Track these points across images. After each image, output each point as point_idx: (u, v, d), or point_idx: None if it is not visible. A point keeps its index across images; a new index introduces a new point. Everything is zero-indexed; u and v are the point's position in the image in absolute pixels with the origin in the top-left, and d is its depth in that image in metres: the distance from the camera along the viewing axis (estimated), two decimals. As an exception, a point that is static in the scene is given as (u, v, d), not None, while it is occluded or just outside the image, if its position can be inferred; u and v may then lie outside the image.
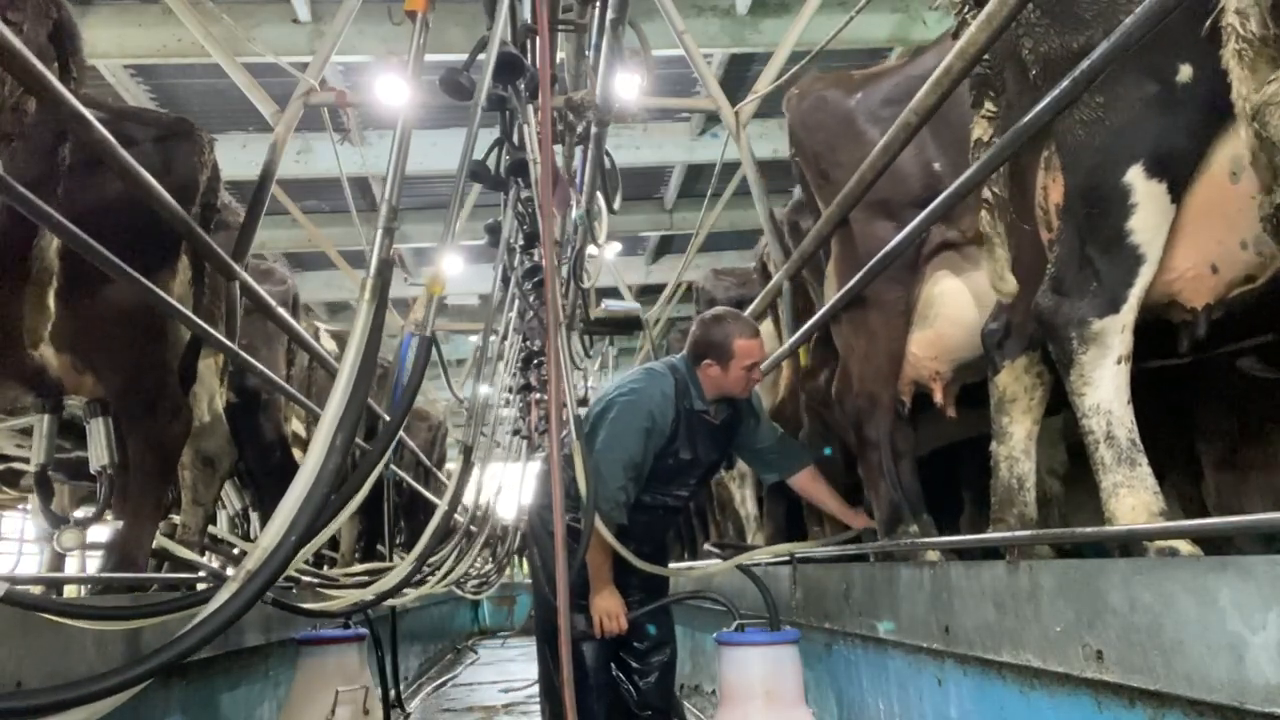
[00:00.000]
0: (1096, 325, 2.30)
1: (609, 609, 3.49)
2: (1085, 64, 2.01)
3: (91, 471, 3.33)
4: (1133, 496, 2.19)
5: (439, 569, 7.16)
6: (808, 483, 3.95)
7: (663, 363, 3.77)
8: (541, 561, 3.77)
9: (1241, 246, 2.22)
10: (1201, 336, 2.34)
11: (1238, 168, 2.16)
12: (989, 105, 2.74)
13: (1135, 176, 2.26)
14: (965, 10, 2.75)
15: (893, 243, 3.09)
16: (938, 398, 3.55)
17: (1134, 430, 2.26)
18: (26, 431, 3.61)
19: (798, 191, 4.71)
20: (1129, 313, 2.29)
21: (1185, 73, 2.18)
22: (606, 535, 3.37)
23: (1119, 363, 2.29)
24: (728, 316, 3.71)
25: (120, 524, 3.46)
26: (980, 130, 2.74)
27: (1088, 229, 2.37)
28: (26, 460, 3.87)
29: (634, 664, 3.73)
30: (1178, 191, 2.25)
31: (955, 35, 2.86)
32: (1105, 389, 2.28)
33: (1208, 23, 1.93)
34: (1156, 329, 2.45)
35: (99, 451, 3.29)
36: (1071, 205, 2.43)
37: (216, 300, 4.09)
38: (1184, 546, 2.02)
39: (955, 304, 3.39)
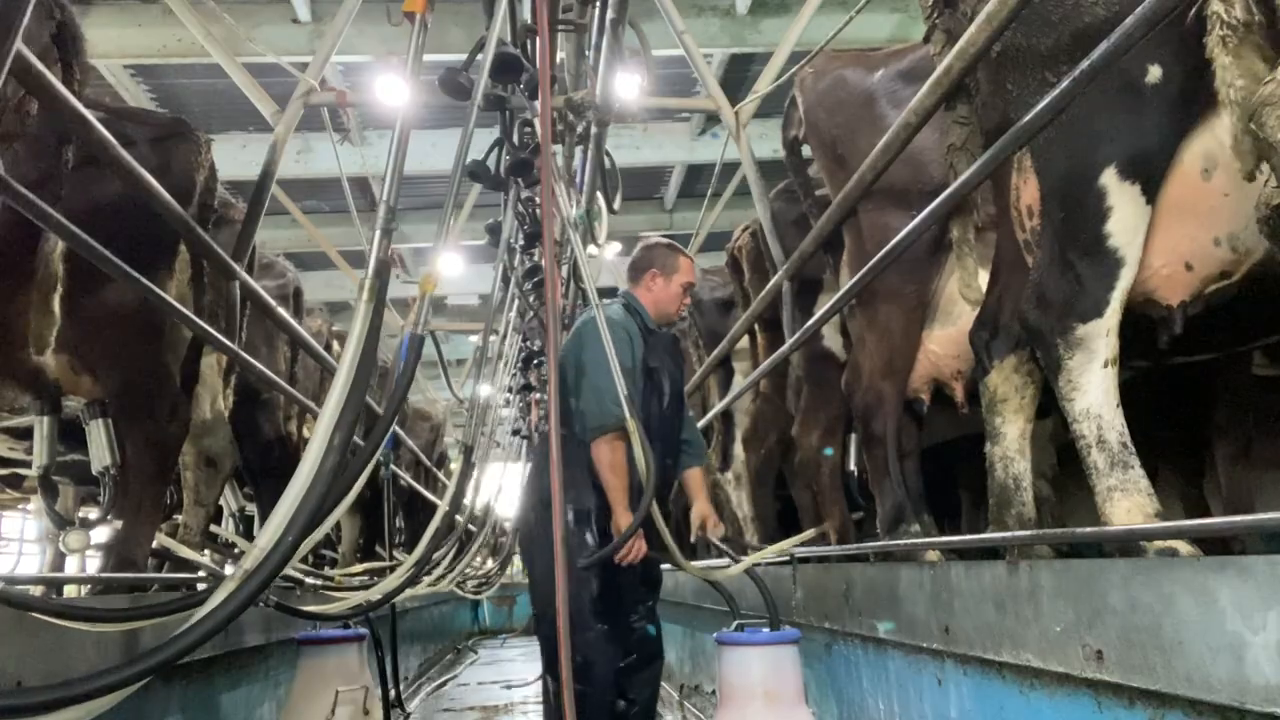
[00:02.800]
0: (1081, 330, 2.30)
1: (631, 547, 3.41)
2: (1086, 63, 2.00)
3: (94, 473, 3.32)
4: (1127, 499, 2.19)
5: (437, 568, 7.15)
6: (691, 480, 4.00)
7: (612, 303, 3.88)
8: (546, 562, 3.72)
9: (1215, 243, 2.23)
10: (1178, 333, 2.34)
11: (1210, 164, 2.17)
12: (963, 110, 2.75)
13: (1109, 179, 2.26)
14: (935, 15, 2.77)
15: (884, 249, 3.07)
16: (958, 396, 3.51)
17: (1125, 433, 2.25)
18: (17, 433, 3.62)
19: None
20: (1113, 316, 2.29)
21: (1154, 73, 2.19)
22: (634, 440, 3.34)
23: (1106, 366, 2.29)
24: (670, 243, 4.00)
25: (119, 524, 3.45)
26: (955, 135, 2.75)
27: (1066, 233, 2.37)
28: (26, 463, 3.88)
29: (626, 684, 3.64)
30: (1152, 192, 2.25)
31: (926, 39, 2.87)
32: (1094, 393, 2.28)
33: (1193, 10, 1.93)
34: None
35: (100, 453, 3.28)
36: (1048, 209, 2.43)
37: (219, 300, 4.09)
38: (1183, 547, 2.02)
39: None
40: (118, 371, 3.30)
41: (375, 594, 4.55)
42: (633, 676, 3.63)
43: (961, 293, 2.74)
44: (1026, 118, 2.23)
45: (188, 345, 3.79)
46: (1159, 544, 2.04)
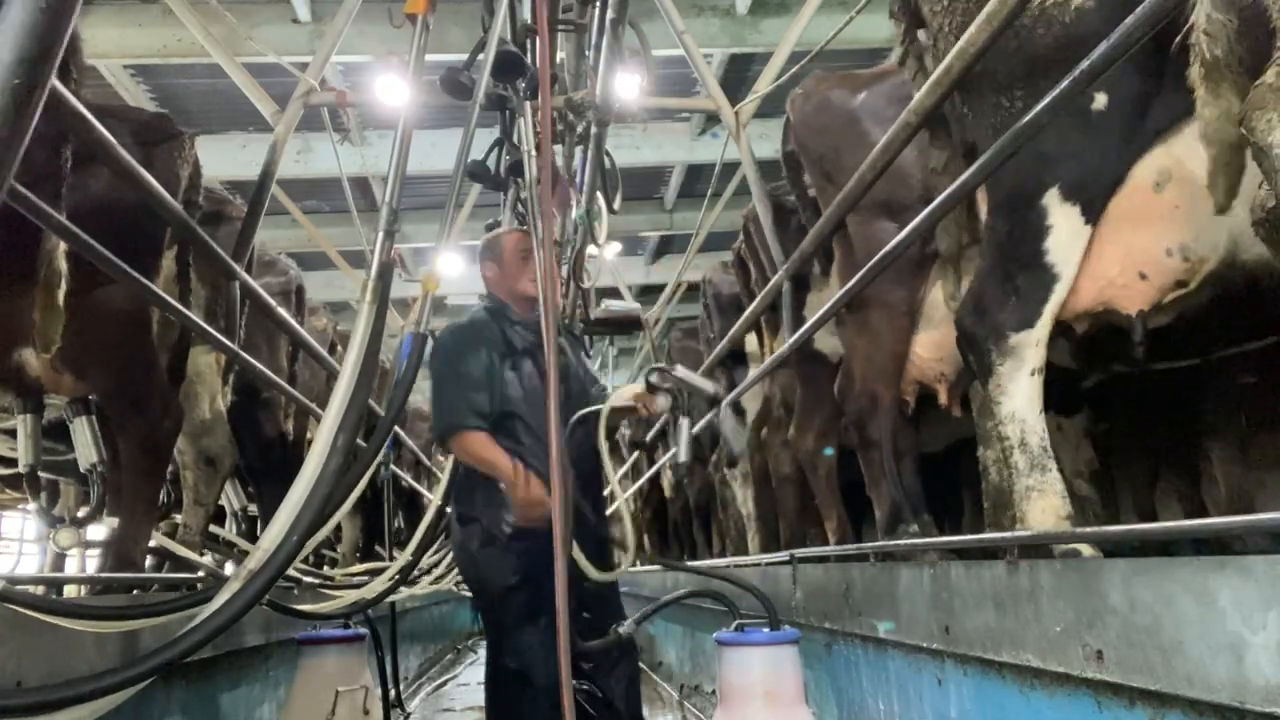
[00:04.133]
0: (1013, 339, 2.40)
1: (532, 497, 3.20)
2: (1085, 64, 2.01)
3: (81, 470, 3.34)
4: (1043, 500, 2.31)
5: (436, 568, 7.16)
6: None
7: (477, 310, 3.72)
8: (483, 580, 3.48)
9: (1167, 254, 2.32)
10: (1140, 341, 2.43)
11: (1163, 179, 2.27)
12: (940, 136, 2.85)
13: (1052, 199, 2.36)
14: (907, 42, 2.84)
15: (881, 252, 3.10)
16: (943, 399, 3.56)
17: (1045, 437, 2.36)
18: (16, 434, 3.62)
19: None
20: (1043, 328, 2.39)
21: (1100, 100, 2.29)
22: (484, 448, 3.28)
23: (1033, 374, 2.39)
24: (494, 234, 3.86)
25: (116, 523, 3.46)
26: (935, 160, 2.85)
27: (1008, 246, 2.47)
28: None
29: (596, 690, 3.48)
30: (1093, 214, 2.35)
31: (901, 63, 2.93)
32: (1020, 399, 2.38)
33: (1176, 40, 1.98)
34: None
35: (85, 450, 3.30)
36: (994, 222, 2.55)
37: (219, 300, 4.09)
38: (1085, 549, 2.16)
39: None
40: (108, 370, 3.30)
41: (366, 592, 4.56)
42: (605, 678, 3.49)
43: (947, 303, 2.80)
44: (1023, 120, 2.25)
45: (175, 342, 3.79)
46: (1063, 546, 2.19)
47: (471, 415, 3.35)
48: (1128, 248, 2.36)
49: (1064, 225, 2.36)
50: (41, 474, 5.10)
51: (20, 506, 8.49)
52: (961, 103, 2.63)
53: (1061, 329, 2.53)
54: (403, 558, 4.69)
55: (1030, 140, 2.30)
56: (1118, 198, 2.33)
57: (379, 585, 4.55)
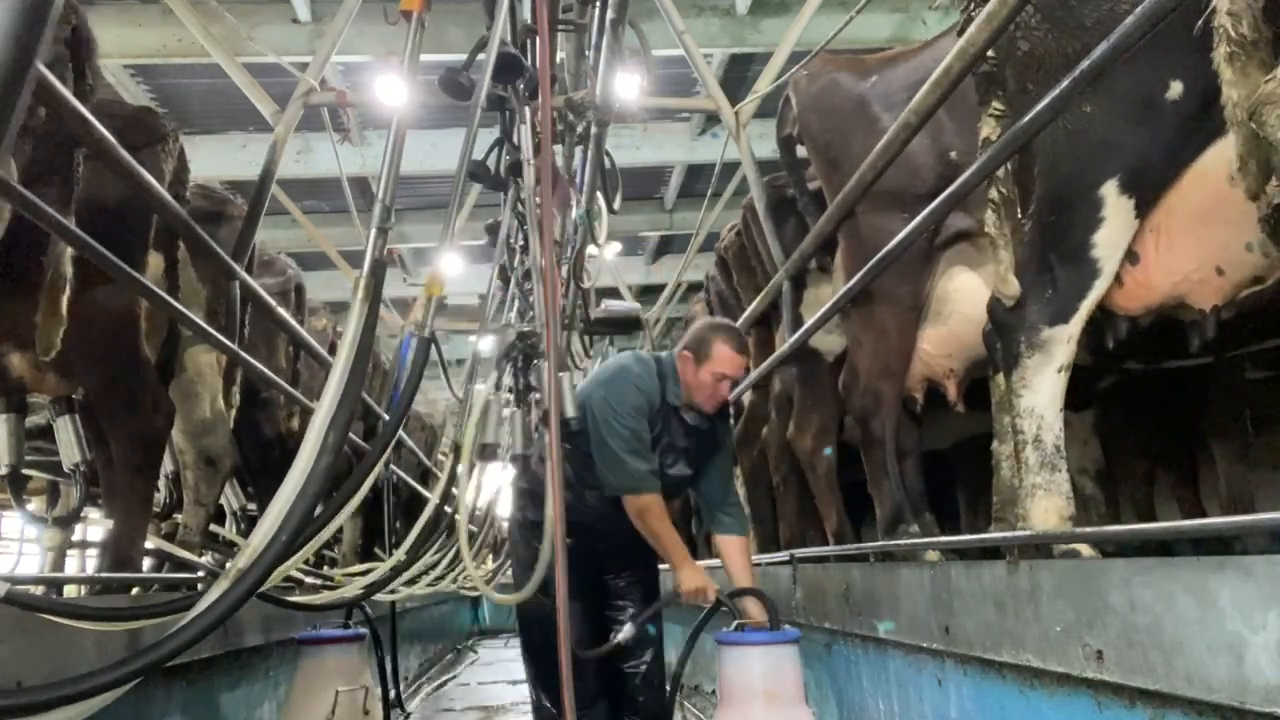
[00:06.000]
0: (1045, 333, 2.36)
1: (697, 585, 3.36)
2: (1086, 63, 2.00)
3: (65, 470, 3.33)
4: (1048, 500, 2.29)
5: (435, 569, 7.16)
6: (728, 549, 3.64)
7: (650, 354, 3.67)
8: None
9: (1247, 249, 2.22)
10: (1210, 338, 2.36)
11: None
12: (996, 104, 2.73)
13: (1109, 190, 2.29)
14: (971, 7, 2.75)
15: (886, 249, 3.07)
16: (951, 395, 3.53)
17: (1060, 437, 2.33)
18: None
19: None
20: (1077, 324, 2.35)
21: (1176, 89, 2.21)
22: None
23: (1059, 371, 2.36)
24: (725, 326, 3.64)
25: (112, 522, 3.45)
26: (989, 129, 2.74)
27: (1052, 236, 2.40)
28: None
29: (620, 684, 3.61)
30: (1145, 207, 2.29)
31: (960, 32, 2.84)
32: (1043, 394, 2.34)
33: (1199, 22, 1.94)
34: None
35: (69, 450, 3.30)
36: (1040, 210, 2.46)
37: (219, 297, 4.09)
38: (1085, 549, 2.14)
39: (970, 300, 3.31)
40: (98, 368, 3.28)
41: (354, 589, 4.57)
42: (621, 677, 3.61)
43: (997, 286, 2.70)
44: (1024, 119, 2.23)
45: (164, 339, 3.78)
46: (1064, 546, 2.18)
47: (654, 477, 3.41)
48: (1206, 242, 2.28)
49: (1117, 218, 2.29)
50: (40, 475, 5.09)
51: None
52: (1019, 78, 2.53)
53: (1128, 323, 2.46)
54: (395, 557, 4.69)
55: (1094, 128, 2.24)
56: (1189, 191, 2.24)
57: (370, 579, 4.56)
